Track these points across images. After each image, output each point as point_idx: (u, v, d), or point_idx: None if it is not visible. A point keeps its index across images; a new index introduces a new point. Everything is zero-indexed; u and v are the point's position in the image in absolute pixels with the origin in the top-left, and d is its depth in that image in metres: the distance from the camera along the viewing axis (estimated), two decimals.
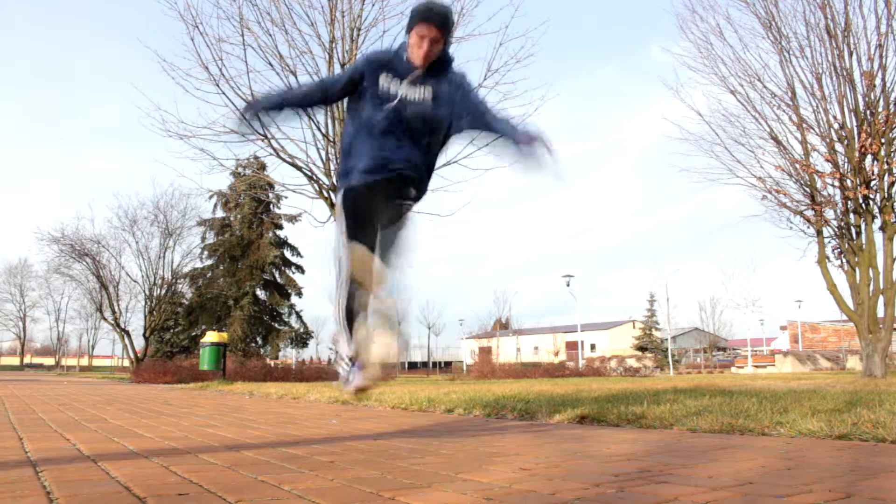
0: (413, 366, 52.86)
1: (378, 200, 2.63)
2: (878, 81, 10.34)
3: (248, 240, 34.12)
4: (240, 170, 26.73)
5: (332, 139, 11.34)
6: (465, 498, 1.39)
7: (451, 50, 2.85)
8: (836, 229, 10.99)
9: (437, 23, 2.58)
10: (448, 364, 51.08)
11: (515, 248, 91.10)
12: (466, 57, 22.15)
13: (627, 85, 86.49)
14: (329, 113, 11.41)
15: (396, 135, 2.63)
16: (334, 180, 11.48)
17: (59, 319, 55.07)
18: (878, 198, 10.49)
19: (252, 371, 15.05)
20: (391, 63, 2.68)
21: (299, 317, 35.78)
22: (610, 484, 1.54)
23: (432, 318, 54.66)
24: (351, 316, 2.63)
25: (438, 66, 2.70)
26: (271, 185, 21.40)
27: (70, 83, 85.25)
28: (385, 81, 2.64)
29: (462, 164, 10.64)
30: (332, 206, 11.42)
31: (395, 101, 2.62)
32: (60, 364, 57.98)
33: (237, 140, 11.09)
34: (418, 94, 2.66)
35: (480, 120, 2.72)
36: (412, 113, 2.63)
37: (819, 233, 11.10)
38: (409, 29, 2.63)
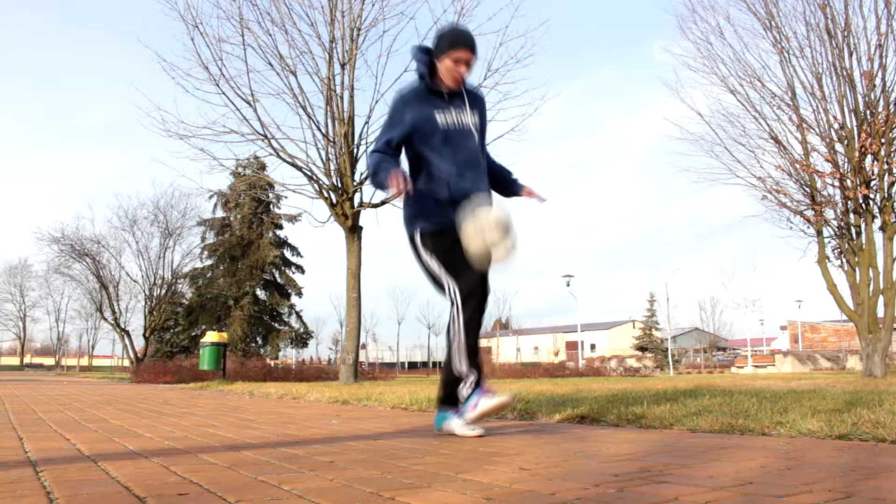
0: (413, 366, 52.83)
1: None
2: (878, 81, 10.33)
3: (248, 240, 34.13)
4: (240, 170, 26.76)
5: (332, 139, 11.33)
6: (465, 498, 1.40)
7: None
8: (836, 229, 10.98)
9: (472, 46, 2.73)
10: None
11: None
12: None
13: (628, 85, 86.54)
14: (329, 113, 11.41)
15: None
16: (334, 180, 11.48)
17: (59, 319, 55.17)
18: (878, 198, 10.48)
19: (252, 371, 15.04)
20: (426, 96, 2.76)
21: (299, 317, 35.83)
22: (610, 484, 1.54)
23: (432, 318, 54.67)
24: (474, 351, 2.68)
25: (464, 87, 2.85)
26: (271, 185, 21.40)
27: (70, 83, 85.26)
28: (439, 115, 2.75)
29: None
30: (332, 205, 11.41)
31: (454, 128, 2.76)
32: (60, 364, 57.96)
33: (237, 140, 11.11)
34: (466, 117, 2.80)
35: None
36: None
37: (819, 233, 11.10)
38: (442, 54, 2.71)
